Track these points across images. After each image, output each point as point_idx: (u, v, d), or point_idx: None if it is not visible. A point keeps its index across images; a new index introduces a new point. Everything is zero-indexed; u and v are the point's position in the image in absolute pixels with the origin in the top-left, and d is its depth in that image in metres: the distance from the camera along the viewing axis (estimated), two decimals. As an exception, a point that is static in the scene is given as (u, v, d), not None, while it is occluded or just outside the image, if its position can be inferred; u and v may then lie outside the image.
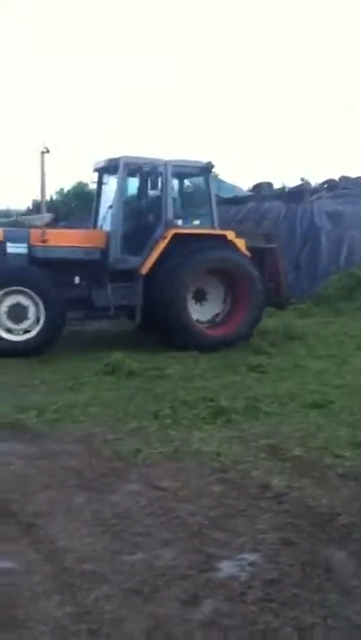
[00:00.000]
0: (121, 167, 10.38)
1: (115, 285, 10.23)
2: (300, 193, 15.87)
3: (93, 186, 11.85)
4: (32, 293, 9.82)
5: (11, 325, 9.81)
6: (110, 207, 10.63)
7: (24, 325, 9.83)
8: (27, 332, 9.85)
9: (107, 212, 10.79)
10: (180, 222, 10.68)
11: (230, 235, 10.61)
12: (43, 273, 9.95)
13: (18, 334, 9.82)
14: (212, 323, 10.85)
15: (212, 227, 10.83)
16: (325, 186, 16.51)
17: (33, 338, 9.81)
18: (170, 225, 10.36)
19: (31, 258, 10.09)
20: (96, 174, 11.45)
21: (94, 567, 3.71)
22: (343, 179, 16.48)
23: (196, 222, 10.97)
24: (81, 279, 10.33)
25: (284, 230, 14.81)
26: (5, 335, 9.79)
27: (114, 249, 10.31)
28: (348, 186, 16.15)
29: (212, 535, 4.08)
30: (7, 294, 9.82)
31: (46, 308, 9.81)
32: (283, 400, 7.08)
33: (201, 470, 5.15)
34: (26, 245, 10.09)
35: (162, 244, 10.21)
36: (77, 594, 3.45)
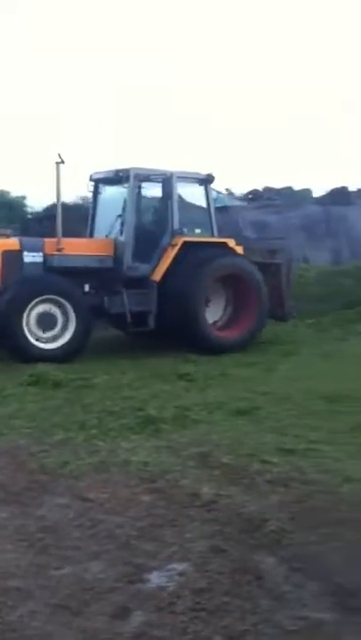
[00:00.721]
0: (131, 178, 10.68)
1: (129, 292, 10.47)
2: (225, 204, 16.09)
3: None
4: (64, 302, 9.96)
5: (39, 334, 9.91)
6: (119, 216, 10.92)
7: (51, 334, 9.96)
8: (54, 339, 9.94)
9: (115, 221, 11.02)
10: (185, 231, 10.99)
11: (231, 242, 11.12)
12: (72, 282, 10.12)
13: (45, 342, 9.92)
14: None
15: (212, 235, 11.27)
16: (250, 196, 16.78)
17: (65, 345, 9.93)
18: (177, 233, 10.71)
19: (47, 266, 10.23)
20: (91, 184, 11.67)
21: (19, 584, 3.59)
22: (267, 189, 16.80)
23: (198, 231, 11.30)
24: (94, 287, 10.53)
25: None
26: (36, 343, 9.84)
27: (127, 257, 10.58)
28: (273, 196, 16.49)
29: (140, 546, 4.02)
30: (37, 303, 9.89)
31: (77, 316, 9.97)
32: (211, 408, 7.08)
33: (129, 481, 5.08)
34: (41, 254, 10.23)
35: (172, 252, 10.60)
36: (1, 611, 3.32)
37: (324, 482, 5.00)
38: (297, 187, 17.34)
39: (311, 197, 17.44)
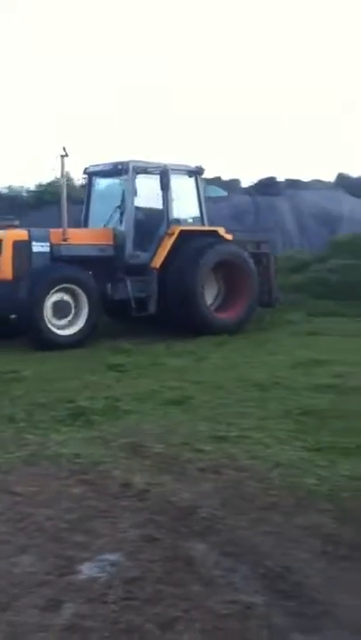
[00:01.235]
0: (130, 170, 11.21)
1: (131, 279, 11.05)
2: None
3: None
4: (79, 290, 10.47)
5: (54, 321, 10.32)
6: (118, 207, 11.47)
7: (64, 321, 10.42)
8: (68, 326, 10.42)
9: (113, 212, 11.53)
10: (180, 220, 11.63)
11: (221, 230, 11.87)
12: (86, 271, 10.64)
13: (61, 329, 10.35)
14: None
15: (203, 224, 11.97)
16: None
17: (78, 332, 10.43)
18: (173, 223, 11.38)
19: (54, 256, 10.64)
20: (85, 176, 12.44)
21: None
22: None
23: (190, 220, 11.92)
24: (96, 274, 10.93)
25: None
26: (55, 330, 10.28)
27: (129, 245, 11.16)
28: None
29: (71, 538, 3.96)
30: (53, 292, 10.31)
31: (89, 304, 10.50)
32: (142, 398, 7.07)
33: (59, 473, 5.01)
34: (48, 244, 10.62)
35: (169, 241, 11.26)
36: None
37: (254, 468, 5.05)
38: (225, 177, 17.68)
39: (240, 187, 17.70)
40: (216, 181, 15.72)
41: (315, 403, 6.69)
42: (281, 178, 17.85)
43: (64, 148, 10.47)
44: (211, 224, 12.18)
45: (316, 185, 18.22)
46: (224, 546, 3.89)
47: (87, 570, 3.62)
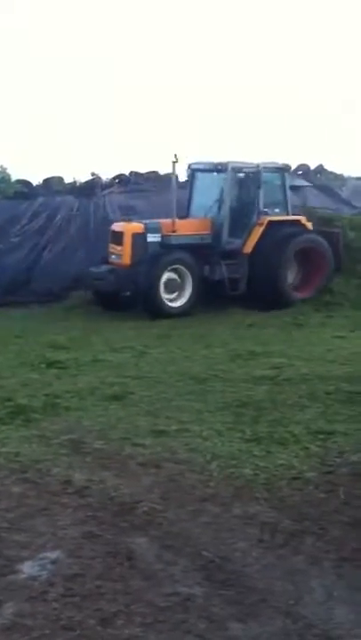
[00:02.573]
0: (229, 169, 12.88)
1: (226, 262, 12.71)
2: (92, 187, 16.05)
3: None
4: (184, 270, 12.38)
5: (166, 295, 12.30)
6: (217, 200, 13.05)
7: (173, 295, 12.42)
8: (177, 299, 12.42)
9: (212, 204, 13.12)
10: (268, 212, 13.07)
11: (303, 219, 13.37)
12: (191, 256, 12.46)
13: (171, 302, 12.39)
14: None
15: (288, 214, 13.43)
16: (117, 181, 16.77)
17: (184, 304, 12.45)
18: (262, 214, 12.89)
19: (164, 244, 12.52)
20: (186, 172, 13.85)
21: None
22: (134, 174, 16.85)
23: (277, 210, 13.29)
24: (197, 259, 12.61)
25: (78, 224, 14.94)
26: (167, 302, 12.33)
27: (225, 234, 12.86)
28: (139, 181, 16.61)
29: (11, 537, 3.97)
30: (166, 272, 12.27)
31: (192, 283, 12.42)
32: (83, 394, 7.05)
33: (-1, 472, 4.98)
34: (160, 235, 12.55)
35: (259, 229, 12.82)
36: None
37: (193, 460, 5.13)
38: (162, 171, 17.71)
39: (177, 182, 17.84)
40: None
41: (252, 394, 6.81)
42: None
43: (175, 155, 12.42)
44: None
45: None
46: (164, 539, 3.96)
47: (27, 569, 3.63)
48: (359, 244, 14.15)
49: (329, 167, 19.63)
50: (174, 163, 12.42)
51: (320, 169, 19.41)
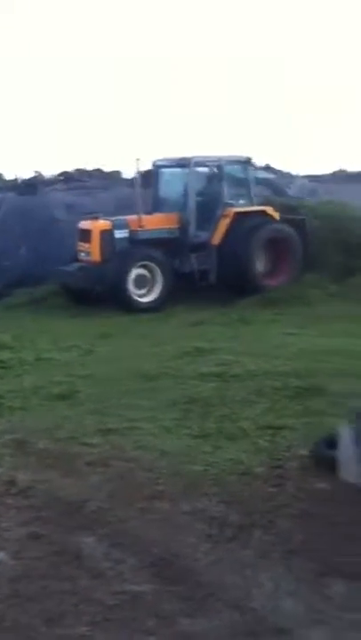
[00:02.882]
0: (192, 164, 13.15)
1: (195, 255, 13.00)
2: (35, 184, 15.89)
3: None
4: (154, 266, 12.57)
5: (136, 291, 12.46)
6: (183, 195, 13.35)
7: (143, 291, 12.56)
8: (147, 294, 12.58)
9: (179, 199, 13.45)
10: (234, 203, 13.34)
11: (269, 210, 13.61)
12: (160, 251, 12.70)
13: (142, 297, 12.56)
14: None
15: (253, 205, 13.62)
16: (61, 178, 16.61)
17: (155, 299, 12.62)
18: (228, 206, 13.13)
19: (132, 240, 12.70)
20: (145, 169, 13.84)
21: None
22: (78, 171, 16.72)
23: (242, 202, 13.54)
24: (165, 252, 12.85)
25: (21, 222, 14.74)
26: (136, 298, 12.49)
27: (192, 227, 13.10)
28: (84, 178, 16.51)
29: None
30: (134, 268, 12.47)
31: (163, 277, 12.61)
32: (27, 394, 6.91)
33: None
34: (127, 231, 12.68)
35: (226, 221, 13.06)
36: None
37: (142, 458, 5.08)
38: (107, 168, 17.75)
39: (121, 179, 17.81)
40: None
41: (200, 391, 6.78)
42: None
43: (138, 159, 12.90)
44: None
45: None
46: (113, 537, 3.90)
47: (-29, 572, 3.52)
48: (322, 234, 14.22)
49: (277, 166, 19.94)
50: (138, 161, 12.87)
51: (267, 167, 19.64)
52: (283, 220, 13.65)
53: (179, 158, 13.55)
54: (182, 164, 13.40)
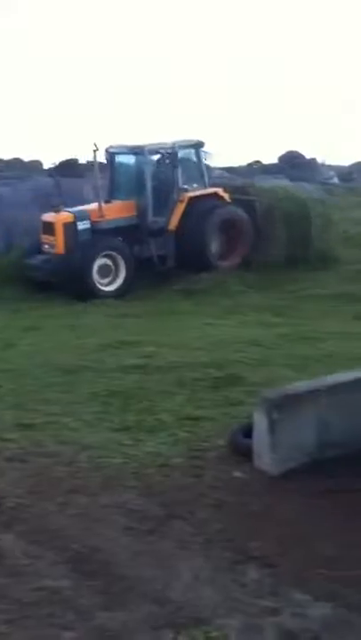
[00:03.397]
0: (146, 152, 13.56)
1: (153, 240, 13.53)
2: None
3: None
4: (117, 255, 13.07)
5: (100, 280, 12.94)
6: (138, 183, 13.74)
7: (107, 280, 13.05)
8: (110, 283, 13.04)
9: (134, 186, 13.87)
10: (188, 188, 13.78)
11: (220, 191, 14.12)
12: (122, 241, 13.23)
13: (105, 286, 12.99)
14: None
15: (206, 187, 14.13)
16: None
17: (119, 287, 13.09)
18: (182, 191, 13.56)
19: (94, 230, 13.10)
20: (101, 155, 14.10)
21: None
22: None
23: (195, 185, 13.99)
24: (125, 239, 13.36)
25: None
26: (100, 287, 12.92)
27: (149, 214, 13.56)
28: (3, 169, 16.31)
29: None
30: (98, 258, 12.94)
31: (126, 266, 13.08)
32: None
33: None
34: (89, 222, 13.08)
35: (181, 206, 13.57)
36: None
37: (62, 452, 5.05)
38: (26, 158, 17.54)
39: (41, 169, 17.64)
40: None
41: (121, 384, 6.80)
42: (83, 160, 18.10)
43: (95, 144, 13.12)
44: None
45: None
46: (31, 534, 3.88)
47: None
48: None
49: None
50: (95, 151, 13.21)
51: None
52: (234, 202, 14.17)
53: (132, 146, 13.89)
54: (136, 151, 13.78)
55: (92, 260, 12.91)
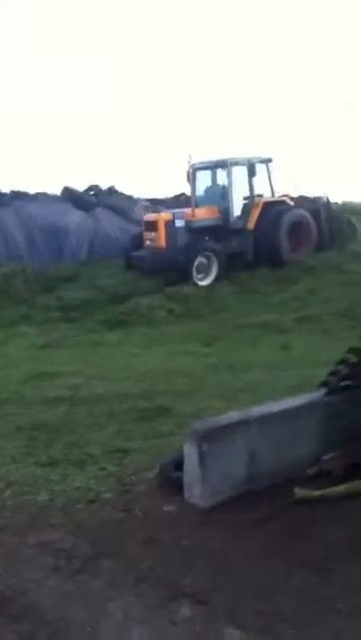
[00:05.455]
0: (229, 164, 16.14)
1: (235, 238, 16.13)
2: None
3: None
4: (212, 256, 15.51)
5: (197, 275, 15.31)
6: (221, 190, 16.51)
7: (202, 275, 15.41)
8: (204, 279, 15.38)
9: (217, 193, 16.58)
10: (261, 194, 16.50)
11: (287, 199, 17.03)
12: (215, 242, 15.66)
13: (200, 280, 15.34)
14: None
15: (273, 196, 16.82)
16: None
17: (212, 282, 15.41)
18: (257, 197, 16.33)
19: (187, 228, 15.62)
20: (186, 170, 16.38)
21: None
22: None
23: (262, 193, 16.54)
24: (211, 237, 15.72)
25: None
26: (196, 280, 15.25)
27: (232, 216, 16.21)
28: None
29: None
30: (198, 258, 15.40)
31: (218, 264, 15.53)
32: None
33: None
34: (184, 221, 15.65)
35: (257, 210, 16.28)
36: None
37: (-15, 490, 4.87)
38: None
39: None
40: None
41: (47, 417, 6.65)
42: (5, 189, 17.92)
43: (189, 155, 15.61)
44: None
45: (42, 198, 18.61)
46: None
47: None
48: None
49: (120, 189, 20.37)
50: (189, 162, 15.69)
51: (112, 190, 19.95)
52: (299, 207, 16.90)
53: (216, 160, 16.60)
54: (219, 165, 16.48)
55: (194, 259, 15.32)
